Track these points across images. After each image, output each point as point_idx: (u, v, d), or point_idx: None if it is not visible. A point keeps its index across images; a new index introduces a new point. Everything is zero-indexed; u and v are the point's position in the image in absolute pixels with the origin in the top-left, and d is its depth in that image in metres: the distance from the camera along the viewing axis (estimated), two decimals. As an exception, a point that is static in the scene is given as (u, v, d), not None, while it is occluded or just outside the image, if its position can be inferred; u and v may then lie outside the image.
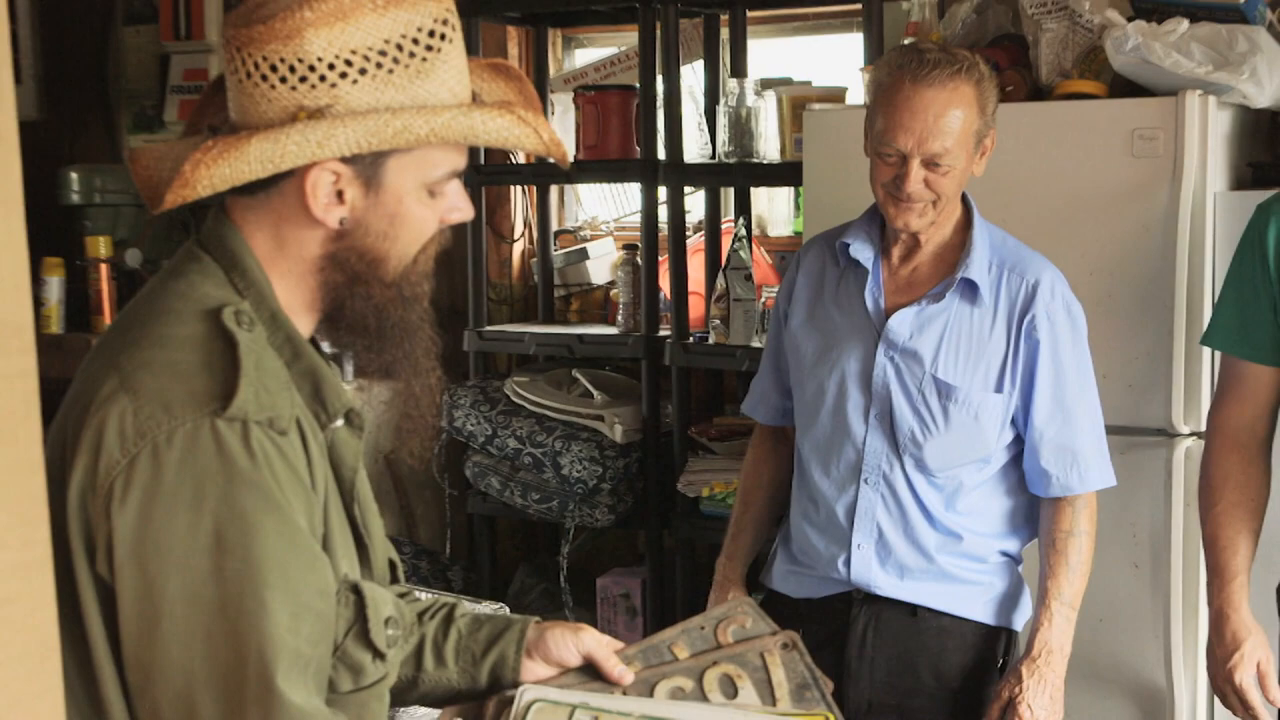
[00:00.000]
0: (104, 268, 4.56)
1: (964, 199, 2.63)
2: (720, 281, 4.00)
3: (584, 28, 4.77)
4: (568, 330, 4.44)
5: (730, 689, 1.85)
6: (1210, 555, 2.67)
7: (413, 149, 1.55)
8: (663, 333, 4.15)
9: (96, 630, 1.46)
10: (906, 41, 3.67)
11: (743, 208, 4.31)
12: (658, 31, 4.06)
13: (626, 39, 4.58)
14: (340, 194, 1.55)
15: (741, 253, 3.95)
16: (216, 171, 1.49)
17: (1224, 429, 2.67)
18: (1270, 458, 2.66)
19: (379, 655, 1.58)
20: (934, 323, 2.58)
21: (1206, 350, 3.06)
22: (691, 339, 4.09)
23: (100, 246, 4.57)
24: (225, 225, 1.59)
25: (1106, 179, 3.17)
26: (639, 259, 4.21)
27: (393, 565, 1.79)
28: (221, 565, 1.43)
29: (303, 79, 1.51)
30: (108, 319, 4.52)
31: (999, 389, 2.57)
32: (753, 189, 4.33)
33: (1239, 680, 2.60)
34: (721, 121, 4.04)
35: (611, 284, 4.52)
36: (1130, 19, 3.29)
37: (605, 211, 4.85)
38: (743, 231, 4.03)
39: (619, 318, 4.31)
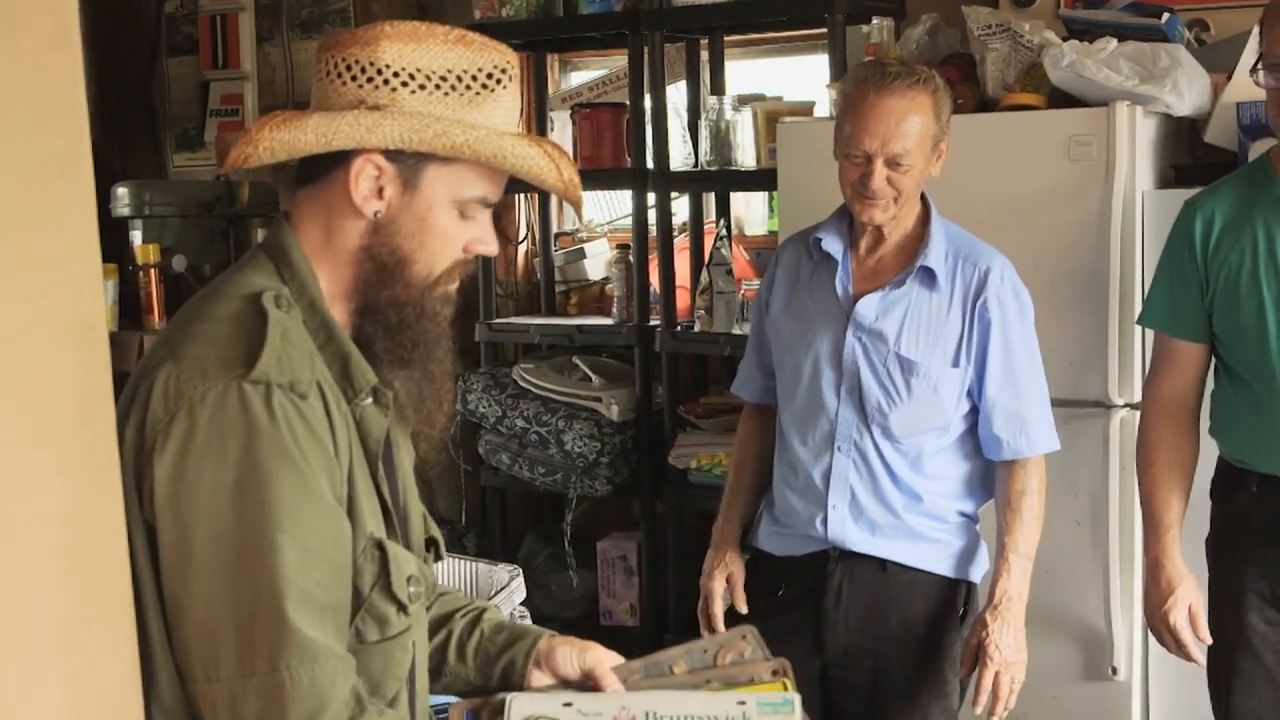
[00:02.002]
0: (153, 272, 4.53)
1: (923, 197, 2.62)
2: (704, 276, 3.99)
3: (578, 52, 4.75)
4: (568, 321, 4.43)
5: None
6: (1147, 511, 2.68)
7: (450, 163, 1.56)
8: (653, 322, 4.14)
9: (144, 568, 1.46)
10: (867, 61, 3.67)
11: (723, 210, 4.30)
12: (645, 55, 4.05)
13: (616, 62, 4.57)
14: (381, 190, 1.57)
15: (723, 250, 3.94)
16: (278, 136, 1.52)
17: (1158, 399, 2.67)
18: (1199, 424, 2.67)
19: (402, 608, 1.58)
20: (897, 306, 2.58)
21: (1139, 330, 3.07)
22: (679, 328, 4.08)
23: (149, 254, 4.54)
24: (282, 228, 1.62)
25: (1047, 180, 3.17)
26: (631, 257, 4.20)
27: (434, 543, 1.79)
28: (241, 511, 1.43)
29: (370, 79, 1.55)
30: (156, 317, 4.49)
31: (955, 364, 2.57)
32: (732, 193, 4.31)
33: (1173, 621, 2.61)
34: (703, 134, 4.03)
35: (606, 280, 4.50)
36: (1065, 39, 3.30)
37: (600, 215, 4.83)
38: (723, 231, 4.03)
39: (614, 310, 4.30)
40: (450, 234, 1.61)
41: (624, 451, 4.16)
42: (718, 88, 4.26)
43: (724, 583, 2.76)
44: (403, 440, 1.70)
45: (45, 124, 1.22)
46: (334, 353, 1.57)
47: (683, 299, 4.17)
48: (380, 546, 1.56)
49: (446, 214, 1.60)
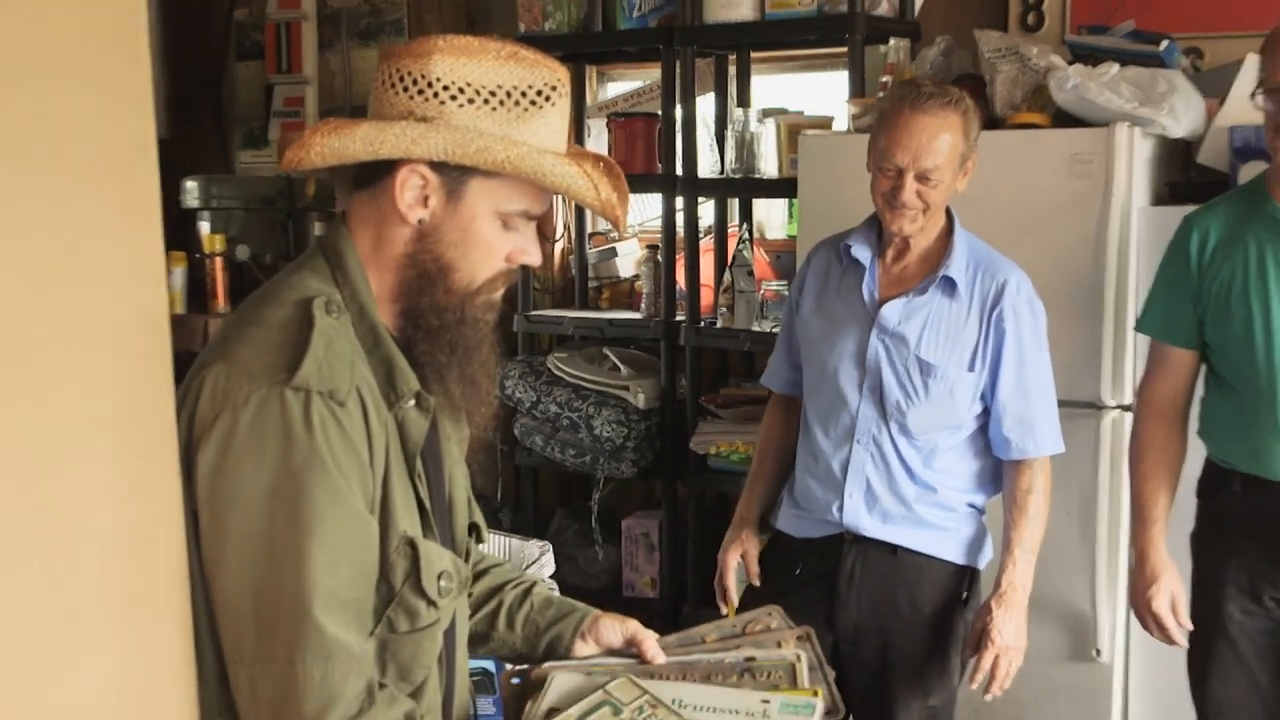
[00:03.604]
0: (218, 260, 4.52)
1: (948, 211, 2.59)
2: (727, 276, 3.96)
3: (615, 65, 4.72)
4: (600, 315, 4.41)
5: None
6: (1136, 505, 2.65)
7: (494, 176, 1.52)
8: (679, 318, 4.12)
9: (193, 548, 1.44)
10: (884, 79, 3.62)
11: (746, 215, 4.28)
12: (677, 69, 4.02)
13: (651, 74, 4.54)
14: (426, 199, 1.53)
15: (745, 252, 3.91)
16: (328, 142, 1.49)
17: (1151, 402, 2.64)
18: (1187, 426, 2.64)
19: (431, 603, 1.55)
20: (919, 312, 2.55)
21: (1131, 336, 3.03)
22: (703, 323, 4.05)
23: (215, 243, 4.54)
24: (340, 231, 1.59)
25: (1050, 195, 3.14)
26: (659, 256, 4.18)
27: (475, 528, 1.76)
28: (274, 511, 1.41)
29: (420, 91, 1.51)
30: (221, 302, 4.49)
31: (971, 368, 2.54)
32: (754, 200, 4.29)
33: (1156, 607, 2.59)
34: (729, 143, 4.00)
35: (636, 277, 4.49)
36: (1070, 63, 3.26)
37: (631, 217, 4.79)
38: (746, 235, 4.00)
39: (642, 305, 4.28)
40: (493, 244, 1.56)
41: (649, 437, 4.14)
42: (744, 101, 4.24)
43: (738, 557, 2.74)
44: (453, 432, 1.68)
45: (113, 121, 1.18)
46: (380, 358, 1.54)
47: (706, 297, 4.14)
48: (412, 544, 1.53)
49: (489, 225, 1.55)
